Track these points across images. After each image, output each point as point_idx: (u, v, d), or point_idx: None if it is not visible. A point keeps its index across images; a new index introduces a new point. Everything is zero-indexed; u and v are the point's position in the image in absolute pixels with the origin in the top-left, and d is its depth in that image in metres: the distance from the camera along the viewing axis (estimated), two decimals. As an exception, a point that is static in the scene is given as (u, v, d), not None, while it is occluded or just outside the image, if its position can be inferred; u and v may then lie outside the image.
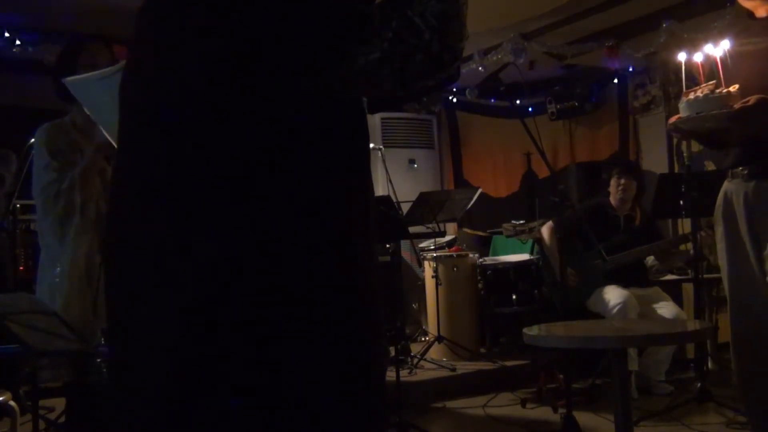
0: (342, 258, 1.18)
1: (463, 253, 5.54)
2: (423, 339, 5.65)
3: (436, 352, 5.14)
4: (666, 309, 4.43)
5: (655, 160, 6.19)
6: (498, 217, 6.05)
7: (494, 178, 7.41)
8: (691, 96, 2.56)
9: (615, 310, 4.28)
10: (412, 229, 4.78)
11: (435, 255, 5.30)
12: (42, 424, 3.28)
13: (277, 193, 1.14)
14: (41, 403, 3.25)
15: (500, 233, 5.70)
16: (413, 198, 4.98)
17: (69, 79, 1.97)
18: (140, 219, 1.18)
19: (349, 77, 1.15)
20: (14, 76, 5.31)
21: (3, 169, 4.41)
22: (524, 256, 5.50)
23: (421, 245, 5.77)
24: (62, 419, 3.03)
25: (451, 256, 5.42)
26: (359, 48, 1.12)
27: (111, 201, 1.31)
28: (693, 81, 2.71)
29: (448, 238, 5.89)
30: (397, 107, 6.54)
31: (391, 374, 3.70)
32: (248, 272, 1.12)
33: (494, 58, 5.75)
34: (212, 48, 1.15)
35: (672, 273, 5.18)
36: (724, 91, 2.49)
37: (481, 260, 5.58)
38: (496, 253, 6.17)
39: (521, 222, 5.24)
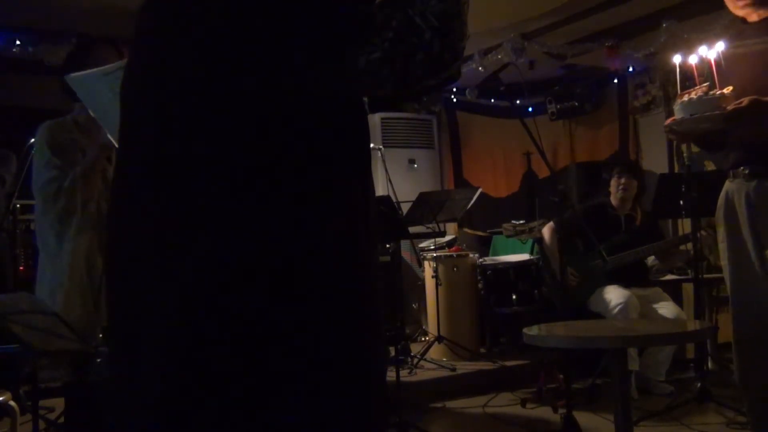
0: (342, 258, 1.18)
1: (463, 253, 5.54)
2: (423, 339, 5.65)
3: (436, 352, 5.14)
4: (666, 309, 4.43)
5: (655, 160, 6.19)
6: (498, 217, 6.05)
7: (494, 178, 7.41)
8: (686, 98, 2.58)
9: (616, 310, 4.28)
10: (412, 229, 4.78)
11: (435, 255, 5.30)
12: (42, 424, 3.28)
13: (277, 192, 1.14)
14: (41, 403, 3.24)
15: (500, 233, 5.70)
16: (413, 198, 4.98)
17: (71, 75, 1.97)
18: (141, 218, 1.18)
19: (350, 77, 1.14)
20: (14, 76, 5.31)
21: (3, 170, 4.42)
22: (524, 256, 5.51)
23: (421, 245, 5.77)
24: (62, 419, 3.03)
25: (451, 256, 5.42)
26: (360, 47, 1.12)
27: (112, 200, 1.32)
28: (691, 82, 2.72)
29: (448, 238, 5.89)
30: (398, 107, 6.54)
31: (391, 374, 3.70)
32: (248, 272, 1.12)
33: (494, 58, 5.75)
34: (212, 47, 1.15)
35: (672, 273, 5.19)
36: (718, 92, 2.50)
37: (481, 260, 5.58)
38: (496, 253, 6.17)
39: (521, 222, 5.24)
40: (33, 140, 2.65)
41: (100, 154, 2.43)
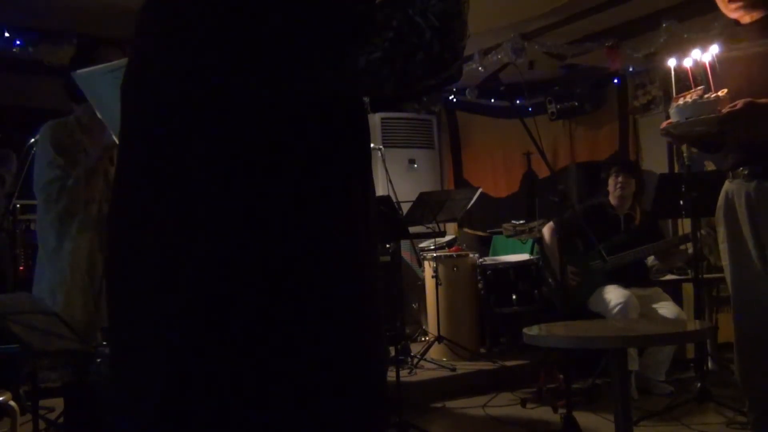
0: (342, 258, 1.18)
1: (463, 253, 5.54)
2: (423, 339, 5.65)
3: (436, 352, 5.13)
4: (666, 309, 4.43)
5: (655, 160, 6.19)
6: (498, 217, 6.05)
7: (494, 178, 7.41)
8: (681, 101, 2.59)
9: (616, 310, 4.28)
10: (412, 229, 4.78)
11: (435, 255, 5.30)
12: (42, 424, 3.28)
13: (277, 193, 1.14)
14: (41, 403, 3.24)
15: (500, 233, 5.70)
16: (413, 198, 4.98)
17: (77, 72, 1.98)
18: (141, 218, 1.18)
19: (350, 77, 1.14)
20: (14, 76, 5.31)
21: (3, 170, 4.42)
22: (524, 256, 5.51)
23: (421, 245, 5.77)
24: (62, 419, 3.03)
25: (451, 256, 5.42)
26: (360, 47, 1.12)
27: (112, 200, 1.32)
28: (686, 84, 2.73)
29: (448, 238, 5.89)
30: (398, 107, 6.54)
31: (391, 374, 3.70)
32: (248, 272, 1.12)
33: (494, 58, 5.74)
34: (212, 47, 1.15)
35: (672, 273, 5.19)
36: (713, 95, 2.51)
37: (481, 260, 5.58)
38: (496, 253, 6.17)
39: (521, 222, 5.25)
40: (33, 140, 2.65)
41: (102, 154, 2.44)
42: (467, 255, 5.49)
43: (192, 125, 1.15)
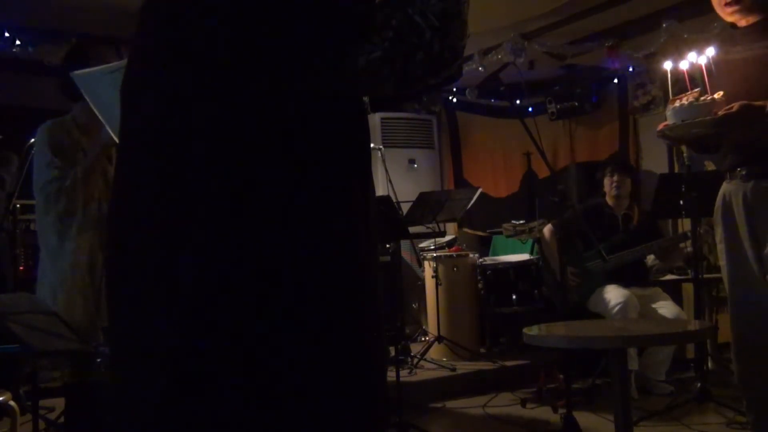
0: (343, 258, 1.18)
1: (463, 253, 5.54)
2: (423, 339, 5.65)
3: (436, 352, 5.14)
4: (666, 309, 4.43)
5: (655, 160, 6.19)
6: (498, 217, 6.05)
7: (494, 178, 7.41)
8: (677, 103, 2.60)
9: (615, 310, 4.29)
10: (412, 229, 4.78)
11: (435, 255, 5.30)
12: (42, 424, 3.29)
13: (277, 192, 1.14)
14: (41, 403, 3.25)
15: (500, 233, 5.70)
16: (413, 198, 4.98)
17: (76, 72, 1.97)
18: (141, 218, 1.18)
19: (350, 77, 1.14)
20: (14, 76, 5.32)
21: (3, 171, 4.42)
22: (524, 256, 5.51)
23: (421, 245, 5.77)
24: (62, 419, 3.03)
25: (451, 256, 5.42)
26: (360, 47, 1.12)
27: (112, 200, 1.31)
28: (682, 86, 2.74)
29: (448, 238, 5.90)
30: (398, 106, 6.54)
31: (391, 374, 3.70)
32: (248, 273, 1.12)
33: (494, 58, 5.75)
34: (212, 48, 1.15)
35: (672, 273, 5.19)
36: (709, 98, 2.52)
37: (481, 260, 5.58)
38: (496, 253, 6.17)
39: (521, 222, 5.25)
40: (33, 140, 2.65)
41: (100, 153, 2.43)
42: (467, 255, 5.49)
43: (192, 125, 1.15)
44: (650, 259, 4.81)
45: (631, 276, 4.53)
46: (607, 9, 5.26)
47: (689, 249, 4.56)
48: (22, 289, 3.79)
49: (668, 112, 2.65)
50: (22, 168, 3.08)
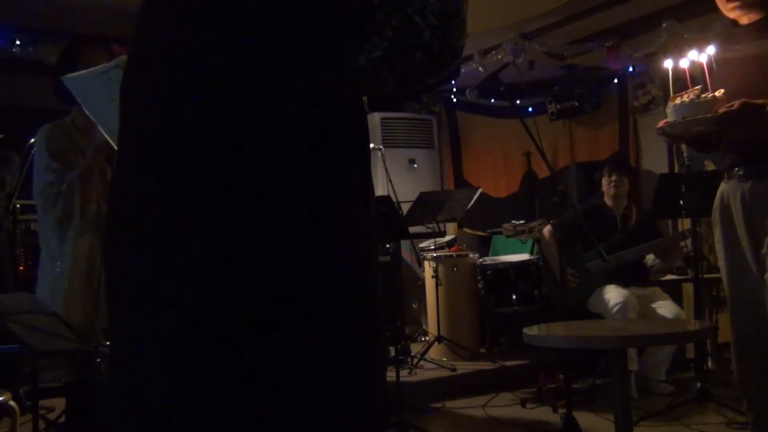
0: (343, 258, 1.18)
1: (463, 253, 5.54)
2: (423, 339, 5.65)
3: (436, 352, 5.14)
4: (666, 309, 4.43)
5: (655, 160, 6.20)
6: (498, 217, 6.05)
7: (494, 178, 7.41)
8: (678, 101, 2.60)
9: (615, 310, 4.29)
10: (412, 229, 4.78)
11: (435, 255, 5.30)
12: (42, 424, 3.28)
13: (276, 192, 1.14)
14: (41, 403, 3.25)
15: (500, 233, 5.70)
16: (413, 198, 4.98)
17: (67, 76, 1.97)
18: (140, 219, 1.18)
19: (350, 76, 1.14)
20: (14, 76, 5.31)
21: (4, 171, 4.42)
22: (524, 256, 5.51)
23: (421, 245, 5.77)
24: (62, 419, 3.03)
25: (451, 256, 5.42)
26: (360, 47, 1.12)
27: (111, 201, 1.31)
28: (682, 84, 2.74)
29: (448, 238, 5.90)
30: (398, 106, 6.54)
31: (391, 374, 3.70)
32: (248, 273, 1.12)
33: (494, 58, 5.75)
34: (212, 48, 1.15)
35: (672, 273, 5.19)
36: (710, 95, 2.52)
37: (481, 260, 5.58)
38: (496, 253, 6.17)
39: (521, 222, 5.25)
40: (33, 140, 2.65)
41: (97, 155, 2.43)
42: (467, 255, 5.49)
43: (192, 125, 1.15)
44: (650, 258, 4.81)
45: (630, 276, 4.53)
46: (607, 9, 5.26)
47: (689, 249, 4.55)
48: (22, 289, 3.79)
49: (669, 110, 2.65)
50: (23, 168, 3.08)
